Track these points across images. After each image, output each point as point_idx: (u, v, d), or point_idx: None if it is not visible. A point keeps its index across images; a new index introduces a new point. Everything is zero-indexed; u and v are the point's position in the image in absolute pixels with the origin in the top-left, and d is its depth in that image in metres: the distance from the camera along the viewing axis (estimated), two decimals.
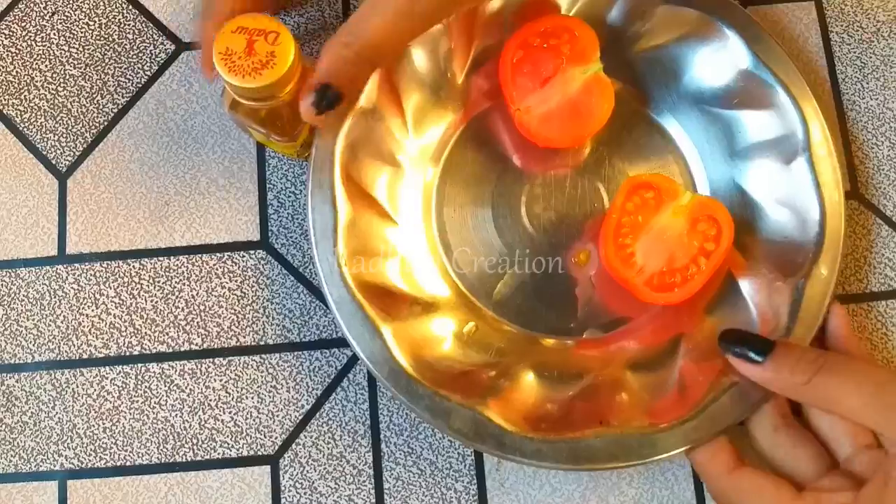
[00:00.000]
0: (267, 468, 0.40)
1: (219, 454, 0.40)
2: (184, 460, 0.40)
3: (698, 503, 0.39)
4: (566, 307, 0.40)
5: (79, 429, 0.40)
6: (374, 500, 0.39)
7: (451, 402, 0.35)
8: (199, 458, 0.40)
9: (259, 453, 0.40)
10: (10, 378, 0.41)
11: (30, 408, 0.41)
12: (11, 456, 0.40)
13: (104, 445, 0.40)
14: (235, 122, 0.37)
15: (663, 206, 0.38)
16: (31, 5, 0.45)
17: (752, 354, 0.33)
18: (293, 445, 0.40)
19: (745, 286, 0.38)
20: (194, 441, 0.40)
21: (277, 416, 0.40)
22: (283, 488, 0.39)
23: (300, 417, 0.40)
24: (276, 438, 0.40)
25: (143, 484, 0.40)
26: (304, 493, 0.39)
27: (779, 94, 0.38)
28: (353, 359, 0.41)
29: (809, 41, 0.44)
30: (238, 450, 0.40)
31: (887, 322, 0.40)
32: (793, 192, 0.38)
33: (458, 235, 0.41)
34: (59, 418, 0.40)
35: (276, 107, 0.34)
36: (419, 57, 0.39)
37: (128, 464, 0.40)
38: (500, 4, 0.40)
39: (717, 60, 0.39)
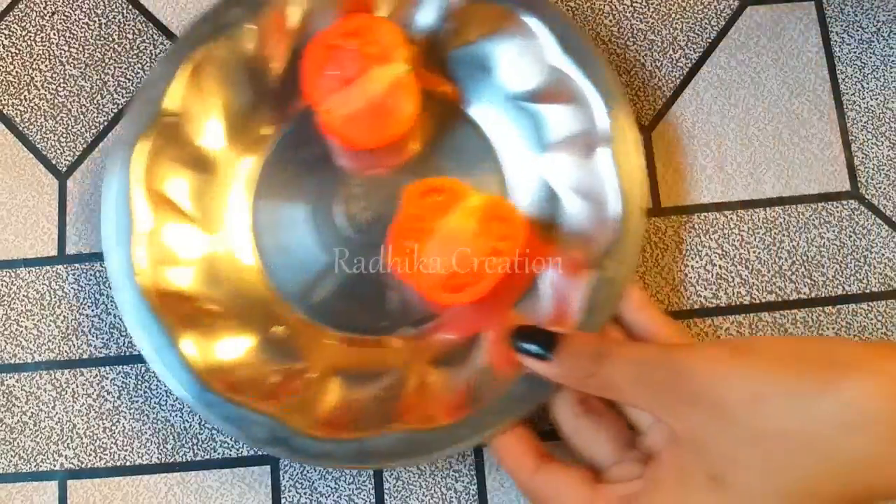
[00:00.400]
0: (267, 468, 0.40)
1: (219, 454, 0.40)
2: (184, 460, 0.40)
3: None
4: (379, 307, 0.40)
5: (79, 429, 0.40)
6: (374, 500, 0.39)
7: (245, 407, 0.35)
8: (199, 458, 0.40)
9: (259, 453, 0.40)
10: (9, 378, 0.41)
11: (30, 408, 0.41)
12: (11, 456, 0.40)
13: (104, 445, 0.40)
14: None
15: (452, 208, 0.38)
16: (31, 5, 0.45)
17: (539, 350, 0.32)
18: None
19: (545, 280, 0.38)
20: (194, 441, 0.40)
21: None
22: (283, 488, 0.39)
23: None
24: None
25: (143, 484, 0.40)
26: (304, 493, 0.39)
27: (584, 88, 0.38)
28: None
29: (809, 41, 0.44)
30: (238, 449, 0.40)
31: (887, 322, 0.40)
32: (593, 185, 0.38)
33: (274, 238, 0.41)
34: (59, 418, 0.40)
35: None
36: (231, 57, 0.40)
37: (128, 464, 0.40)
38: (310, 4, 0.40)
39: (526, 55, 0.39)
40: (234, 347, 0.38)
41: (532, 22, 0.39)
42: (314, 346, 0.39)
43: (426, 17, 0.41)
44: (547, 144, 0.40)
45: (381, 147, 0.40)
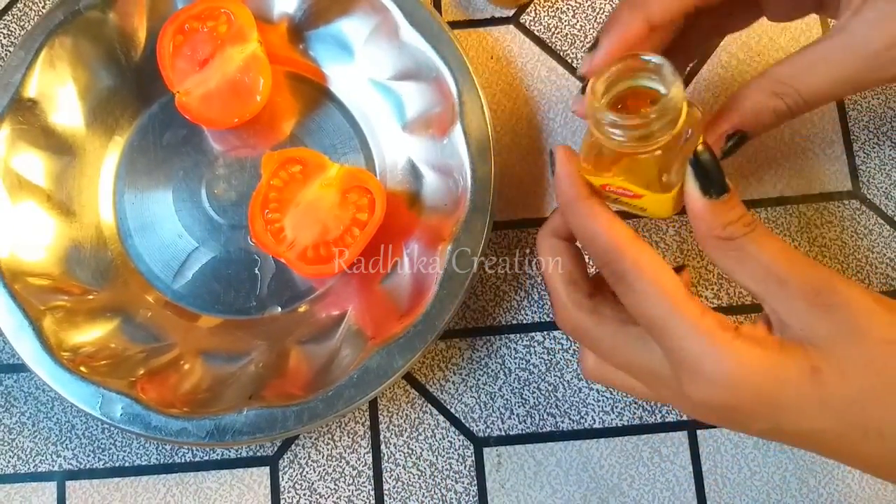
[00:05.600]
0: (266, 469, 0.39)
1: (218, 455, 0.40)
2: (182, 461, 0.40)
3: None
4: (247, 287, 0.41)
5: (77, 429, 0.40)
6: (373, 502, 0.39)
7: (99, 385, 0.36)
8: (197, 459, 0.40)
9: (258, 454, 0.40)
10: (8, 379, 0.41)
11: (28, 408, 0.40)
12: (10, 457, 0.40)
13: (103, 446, 0.40)
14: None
15: (311, 180, 0.39)
16: (30, 4, 0.45)
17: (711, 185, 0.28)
18: (292, 446, 0.40)
19: (408, 252, 0.39)
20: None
21: None
22: (282, 489, 0.39)
23: None
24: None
25: (142, 485, 0.39)
26: (304, 494, 0.39)
27: (437, 65, 0.39)
28: None
29: (811, 40, 0.43)
30: (237, 450, 0.40)
31: None
32: (449, 162, 0.39)
33: (137, 221, 0.42)
34: (57, 419, 0.40)
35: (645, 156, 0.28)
36: (87, 43, 0.40)
37: (126, 464, 0.40)
38: None
39: (379, 33, 0.40)
40: (96, 329, 0.38)
41: (385, 0, 0.39)
42: (179, 327, 0.40)
43: (282, 2, 0.41)
44: (408, 122, 0.41)
45: (240, 125, 0.41)
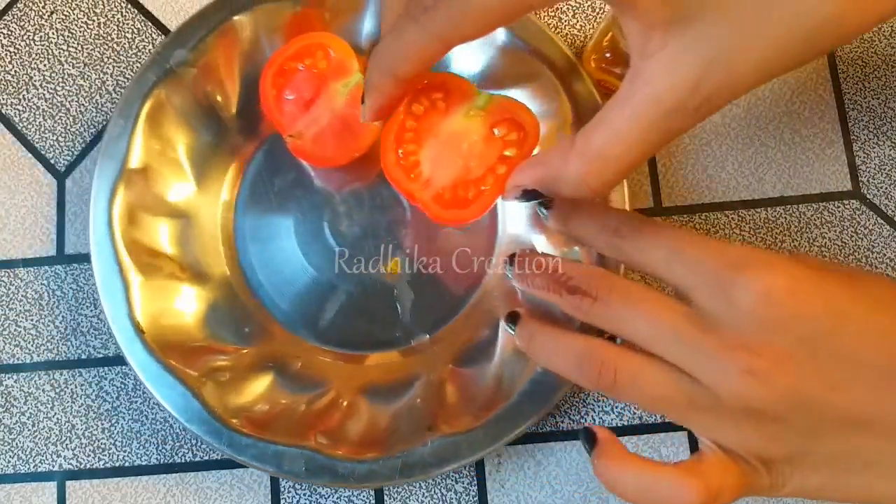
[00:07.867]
0: None
1: (218, 454, 0.40)
2: (183, 461, 0.40)
3: None
4: (389, 318, 0.40)
5: (77, 429, 0.40)
6: (373, 501, 0.39)
7: (278, 444, 0.35)
8: (198, 459, 0.40)
9: None
10: (8, 378, 0.41)
11: (28, 408, 0.40)
12: (10, 457, 0.40)
13: (103, 446, 0.40)
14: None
15: (455, 110, 0.33)
16: (30, 4, 0.45)
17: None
18: None
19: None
20: (193, 441, 0.40)
21: None
22: (282, 489, 0.39)
23: None
24: None
25: (142, 485, 0.39)
26: (304, 494, 0.39)
27: (539, 68, 0.38)
28: None
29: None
30: None
31: None
32: None
33: (266, 272, 0.41)
34: (57, 419, 0.40)
35: None
36: (184, 101, 0.39)
37: (127, 464, 0.40)
38: (252, 29, 0.39)
39: (477, 40, 0.39)
40: (256, 387, 0.38)
41: None
42: (332, 370, 0.39)
43: (371, 22, 0.40)
44: None
45: (349, 161, 0.39)
